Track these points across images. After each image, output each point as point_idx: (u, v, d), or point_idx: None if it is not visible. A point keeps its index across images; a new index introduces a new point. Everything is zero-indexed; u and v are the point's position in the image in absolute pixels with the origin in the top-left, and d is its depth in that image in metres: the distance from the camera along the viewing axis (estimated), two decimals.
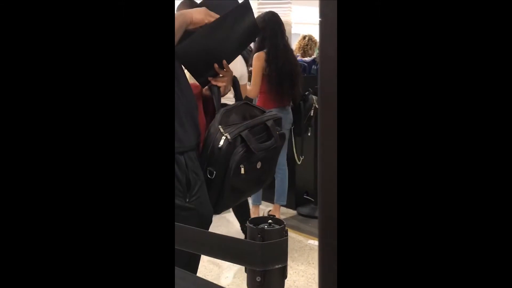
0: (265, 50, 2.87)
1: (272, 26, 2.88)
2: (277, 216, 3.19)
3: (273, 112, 1.48)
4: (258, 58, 2.88)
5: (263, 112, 1.41)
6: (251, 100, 2.82)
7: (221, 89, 1.31)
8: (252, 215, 3.22)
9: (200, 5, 1.36)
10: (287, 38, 3.02)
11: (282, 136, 1.43)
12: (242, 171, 1.25)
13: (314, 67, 3.72)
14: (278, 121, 1.44)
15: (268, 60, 2.85)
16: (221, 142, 1.21)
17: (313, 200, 3.54)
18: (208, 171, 1.22)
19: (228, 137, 1.21)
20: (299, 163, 3.33)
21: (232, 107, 1.32)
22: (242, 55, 3.35)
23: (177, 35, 1.16)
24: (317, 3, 0.52)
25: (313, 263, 2.69)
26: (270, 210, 3.30)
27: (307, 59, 3.81)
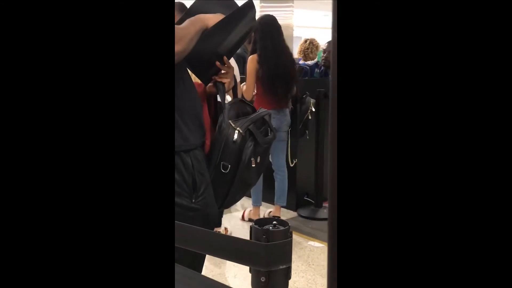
0: (257, 53, 2.89)
1: (264, 28, 2.89)
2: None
3: (263, 109, 1.52)
4: (251, 61, 2.91)
5: (254, 109, 1.45)
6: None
7: (226, 85, 1.35)
8: (253, 217, 3.24)
9: (193, 6, 1.38)
10: (284, 40, 3.01)
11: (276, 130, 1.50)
12: (253, 163, 1.30)
13: (317, 70, 3.74)
14: (269, 117, 1.50)
15: (260, 62, 2.88)
16: (235, 136, 1.26)
17: (313, 201, 3.55)
18: (222, 166, 1.26)
19: (241, 131, 1.26)
20: (291, 165, 3.35)
21: (232, 104, 1.36)
22: (241, 54, 3.38)
23: (194, 39, 1.18)
24: (319, 6, 0.52)
25: (313, 264, 2.71)
26: (270, 211, 3.32)
27: (310, 62, 3.83)
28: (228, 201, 1.35)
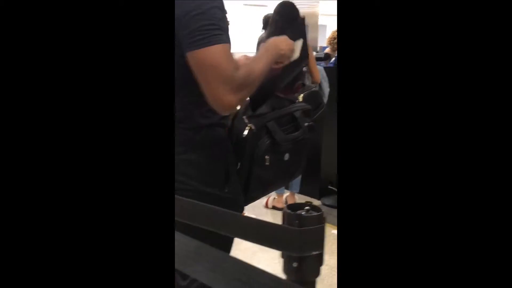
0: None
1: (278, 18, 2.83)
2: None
3: (302, 103, 1.46)
4: None
5: (292, 102, 1.40)
6: None
7: None
8: (277, 204, 3.27)
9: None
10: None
11: (311, 127, 1.41)
12: (267, 162, 1.25)
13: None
14: (306, 112, 1.42)
15: None
16: (245, 132, 1.22)
17: (337, 190, 3.56)
18: None
19: (252, 127, 1.22)
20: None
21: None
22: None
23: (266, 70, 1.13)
24: None
25: (336, 253, 2.71)
26: (287, 196, 3.38)
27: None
28: (247, 198, 1.30)
